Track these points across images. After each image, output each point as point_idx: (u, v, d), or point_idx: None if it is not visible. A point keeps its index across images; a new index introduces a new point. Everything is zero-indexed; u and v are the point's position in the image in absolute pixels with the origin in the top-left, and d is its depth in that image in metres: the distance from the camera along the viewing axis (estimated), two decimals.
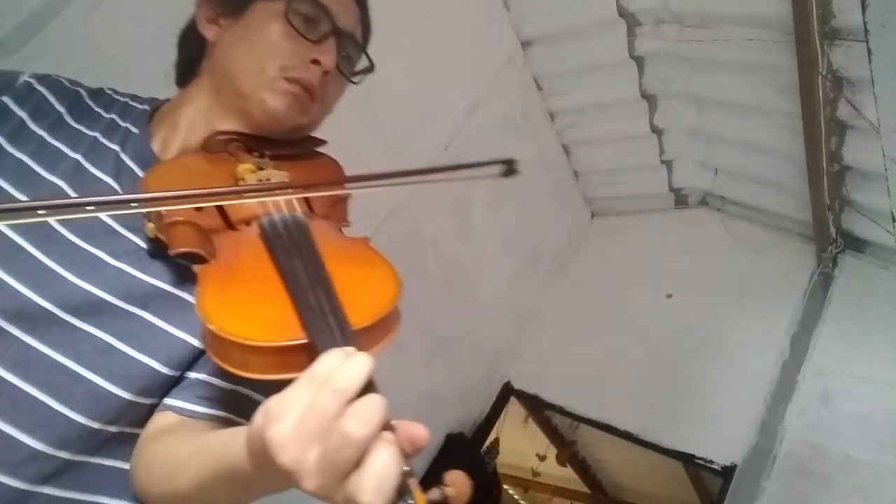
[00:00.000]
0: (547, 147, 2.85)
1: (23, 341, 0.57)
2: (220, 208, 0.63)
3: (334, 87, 0.78)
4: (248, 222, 0.62)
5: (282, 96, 0.71)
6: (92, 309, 0.60)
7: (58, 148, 0.68)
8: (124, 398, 0.60)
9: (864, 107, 1.84)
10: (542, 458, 4.48)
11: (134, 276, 0.64)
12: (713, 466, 2.36)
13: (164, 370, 0.62)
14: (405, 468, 0.39)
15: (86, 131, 0.71)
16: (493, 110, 2.48)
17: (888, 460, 2.03)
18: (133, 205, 0.56)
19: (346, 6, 0.77)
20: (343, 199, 0.75)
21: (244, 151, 0.72)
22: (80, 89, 0.76)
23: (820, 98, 1.86)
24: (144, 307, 0.63)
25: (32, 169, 0.65)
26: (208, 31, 0.76)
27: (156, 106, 0.79)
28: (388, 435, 0.39)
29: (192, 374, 0.64)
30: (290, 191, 0.64)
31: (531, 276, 3.00)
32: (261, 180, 0.66)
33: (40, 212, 0.49)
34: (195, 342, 0.63)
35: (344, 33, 0.75)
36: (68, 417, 0.58)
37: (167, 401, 0.62)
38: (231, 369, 0.49)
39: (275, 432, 0.38)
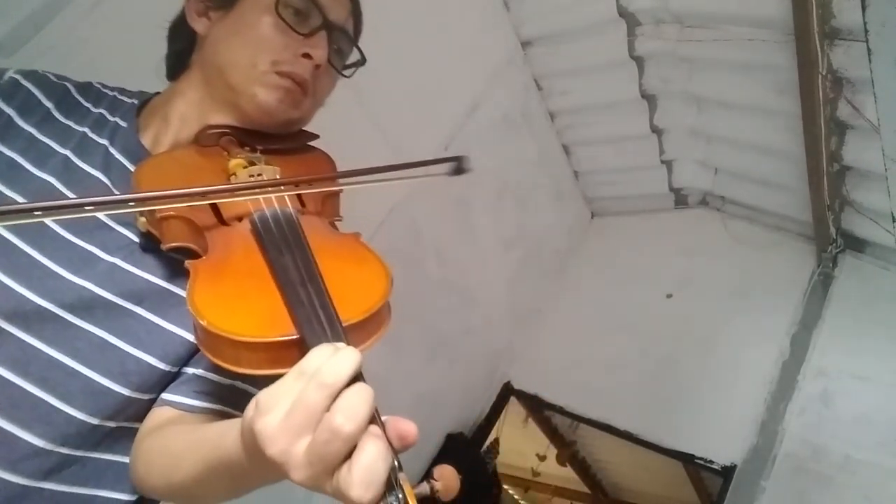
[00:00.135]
0: (547, 147, 2.85)
1: (19, 339, 0.58)
2: (212, 204, 0.63)
3: (326, 80, 0.78)
4: (240, 218, 0.62)
5: (273, 91, 0.71)
6: (86, 305, 0.60)
7: (47, 144, 0.68)
8: (122, 394, 0.60)
9: (864, 107, 1.83)
10: (542, 458, 4.48)
11: (127, 272, 0.64)
12: (713, 466, 2.35)
13: (161, 366, 0.62)
14: (394, 462, 0.39)
15: (75, 127, 0.71)
16: (493, 110, 2.48)
17: (888, 460, 2.02)
18: (130, 204, 0.57)
19: None
20: (335, 194, 0.74)
21: (236, 145, 0.72)
22: (67, 84, 0.75)
23: (820, 98, 1.85)
24: (139, 303, 0.63)
25: (22, 166, 0.65)
26: (198, 25, 0.76)
27: (144, 99, 0.79)
28: (377, 429, 0.39)
29: (190, 370, 0.64)
30: (282, 188, 0.64)
31: (531, 276, 2.99)
32: (252, 175, 0.66)
33: (36, 213, 0.50)
34: (190, 337, 0.64)
35: (335, 27, 0.75)
36: (67, 413, 0.58)
37: (165, 396, 0.63)
38: (223, 364, 0.49)
39: (263, 424, 0.39)
